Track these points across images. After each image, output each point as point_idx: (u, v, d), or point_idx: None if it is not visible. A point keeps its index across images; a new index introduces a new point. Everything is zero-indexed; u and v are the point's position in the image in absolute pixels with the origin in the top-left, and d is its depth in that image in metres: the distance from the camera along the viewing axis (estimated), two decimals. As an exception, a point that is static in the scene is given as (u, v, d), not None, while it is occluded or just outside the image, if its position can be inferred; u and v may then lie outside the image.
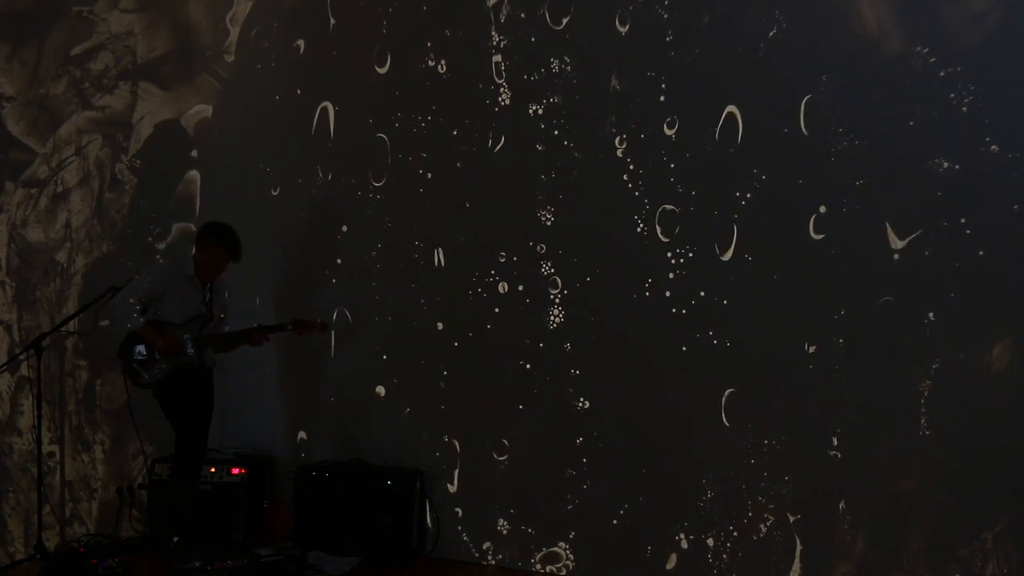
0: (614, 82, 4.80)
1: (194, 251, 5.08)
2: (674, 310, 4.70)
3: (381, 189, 5.40)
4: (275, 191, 5.72)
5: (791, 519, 4.49)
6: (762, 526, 4.54)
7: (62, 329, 5.21)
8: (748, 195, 4.53)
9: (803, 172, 4.44)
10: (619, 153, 4.80)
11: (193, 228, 5.82)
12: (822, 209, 4.39)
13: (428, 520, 5.27)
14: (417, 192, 5.30)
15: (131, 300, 4.84)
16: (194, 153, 5.93)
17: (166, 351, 4.85)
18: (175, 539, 4.94)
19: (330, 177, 5.55)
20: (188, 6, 5.90)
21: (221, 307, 5.17)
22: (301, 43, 5.63)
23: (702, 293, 4.64)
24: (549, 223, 4.97)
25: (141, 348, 4.90)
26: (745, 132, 4.54)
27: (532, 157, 4.99)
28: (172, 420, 5.00)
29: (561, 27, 4.91)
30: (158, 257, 5.81)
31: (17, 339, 5.40)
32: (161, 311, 4.91)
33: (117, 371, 5.18)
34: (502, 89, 5.06)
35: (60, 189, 5.55)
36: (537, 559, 5.04)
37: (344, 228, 5.52)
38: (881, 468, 4.32)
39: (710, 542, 4.64)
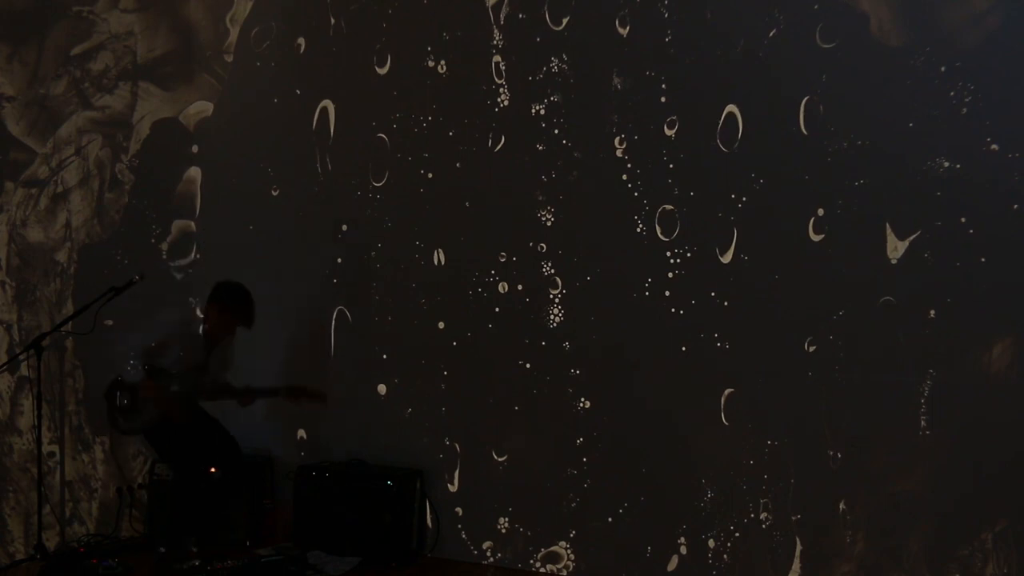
0: (614, 82, 4.80)
1: (204, 309, 5.05)
2: (674, 310, 4.70)
3: (381, 189, 5.40)
4: (275, 191, 5.72)
5: (791, 519, 4.49)
6: (762, 526, 4.54)
7: (62, 329, 5.21)
8: (748, 195, 4.54)
9: (803, 172, 4.44)
10: (619, 153, 4.80)
11: (193, 227, 5.83)
12: (821, 209, 4.39)
13: (428, 520, 5.27)
14: (417, 192, 5.30)
15: (133, 353, 4.85)
16: (195, 148, 5.93)
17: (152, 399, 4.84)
18: (161, 549, 4.95)
19: (330, 177, 5.55)
20: (188, 6, 5.90)
21: (225, 362, 5.14)
22: (301, 42, 5.63)
23: (702, 293, 4.64)
24: (549, 223, 4.97)
25: (126, 394, 4.88)
26: (745, 132, 4.54)
27: (532, 157, 4.99)
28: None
29: (561, 27, 4.92)
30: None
31: (17, 339, 5.40)
32: (161, 362, 4.91)
33: (116, 371, 5.18)
34: (502, 89, 5.06)
35: (60, 189, 5.55)
36: (537, 559, 5.04)
37: (344, 228, 5.52)
38: (881, 468, 4.32)
39: (710, 542, 4.64)
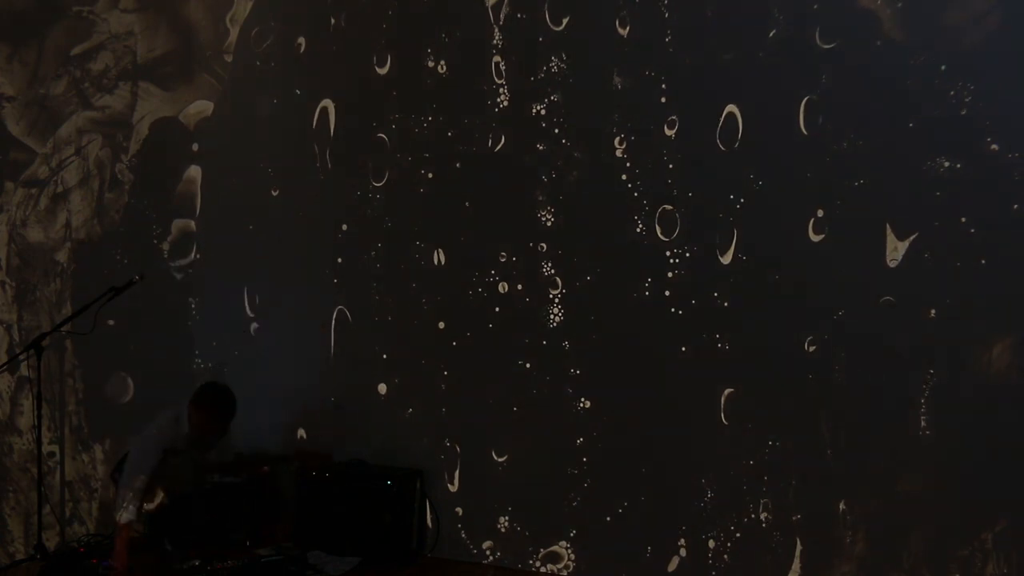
0: (614, 82, 4.80)
1: (189, 407, 4.99)
2: (674, 310, 4.70)
3: (381, 189, 5.40)
4: (275, 191, 5.72)
5: (791, 519, 4.49)
6: (762, 526, 4.54)
7: (62, 329, 5.21)
8: (748, 195, 4.54)
9: (803, 172, 4.44)
10: (619, 153, 4.80)
11: (193, 227, 5.83)
12: (821, 210, 4.40)
13: (428, 520, 5.27)
14: (417, 192, 5.30)
15: (138, 483, 4.83)
16: (195, 147, 5.92)
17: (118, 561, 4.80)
18: (168, 547, 4.97)
19: (330, 177, 5.55)
20: (188, 6, 5.90)
21: (223, 451, 5.25)
22: (301, 42, 5.63)
23: (702, 293, 4.64)
24: (549, 223, 4.97)
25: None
26: (745, 132, 4.54)
27: (532, 157, 4.99)
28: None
29: (561, 27, 4.92)
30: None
31: (17, 339, 5.41)
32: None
33: (117, 371, 5.19)
34: (502, 89, 5.06)
35: (60, 189, 5.56)
36: (537, 559, 5.04)
37: (344, 228, 5.52)
38: (881, 468, 4.32)
39: (710, 542, 4.64)
